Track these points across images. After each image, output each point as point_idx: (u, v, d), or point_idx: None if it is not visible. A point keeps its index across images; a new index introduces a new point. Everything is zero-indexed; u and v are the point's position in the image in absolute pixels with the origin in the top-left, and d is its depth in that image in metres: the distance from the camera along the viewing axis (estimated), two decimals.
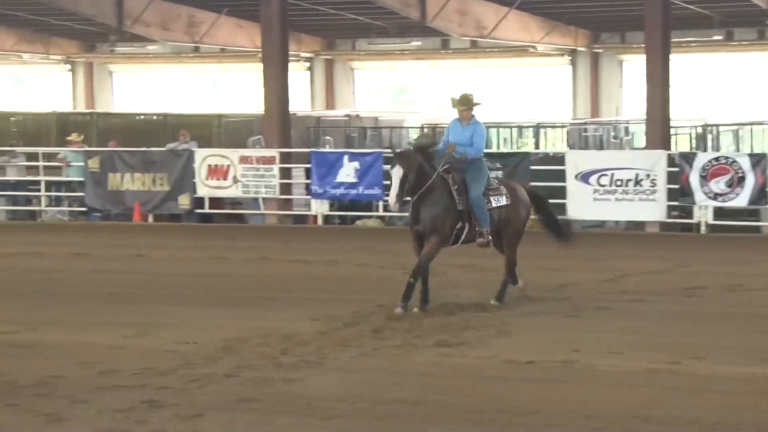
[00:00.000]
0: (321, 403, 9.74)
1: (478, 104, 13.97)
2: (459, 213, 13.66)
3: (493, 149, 31.14)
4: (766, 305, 15.63)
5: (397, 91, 46.86)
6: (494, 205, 14.00)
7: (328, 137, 32.52)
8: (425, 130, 34.71)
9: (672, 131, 26.88)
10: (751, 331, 13.43)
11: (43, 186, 29.80)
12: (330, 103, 41.78)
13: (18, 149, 30.07)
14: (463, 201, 13.62)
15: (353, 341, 12.79)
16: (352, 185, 26.20)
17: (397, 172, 13.19)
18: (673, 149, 26.31)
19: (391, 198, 13.37)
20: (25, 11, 37.93)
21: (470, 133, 13.59)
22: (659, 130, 25.47)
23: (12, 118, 35.90)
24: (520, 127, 35.40)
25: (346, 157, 26.59)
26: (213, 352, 12.01)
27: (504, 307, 15.83)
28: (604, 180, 24.39)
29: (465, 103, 13.67)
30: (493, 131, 33.89)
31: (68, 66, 45.00)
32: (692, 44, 35.00)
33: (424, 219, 13.50)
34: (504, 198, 14.14)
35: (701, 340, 13.18)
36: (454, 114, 14.43)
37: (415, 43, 40.52)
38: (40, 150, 30.51)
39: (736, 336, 13.29)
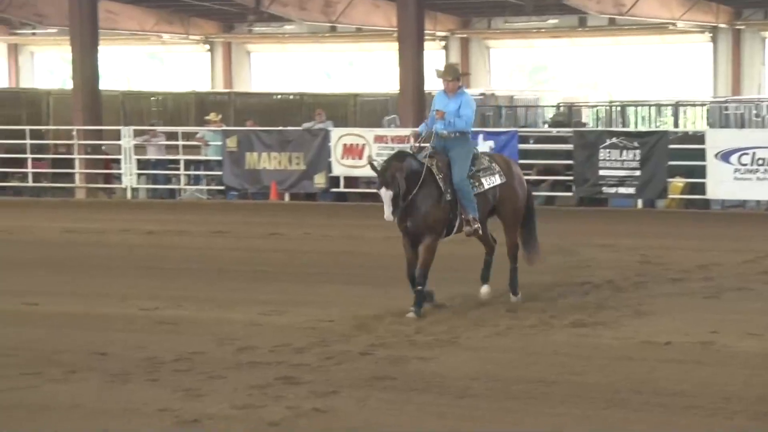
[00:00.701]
0: (455, 382, 9.79)
1: (465, 74, 13.32)
2: (448, 204, 12.58)
3: (631, 128, 31.17)
4: None
5: (534, 69, 46.52)
6: (486, 186, 12.86)
7: None
8: (561, 108, 34.96)
9: None
10: None
11: (182, 165, 30.19)
12: (465, 82, 41.38)
13: (158, 128, 30.45)
14: (451, 190, 12.55)
15: (487, 320, 12.80)
16: None
17: (386, 195, 11.95)
18: None
19: (387, 216, 12.09)
20: None
21: (457, 104, 12.49)
22: None
23: (152, 98, 36.52)
24: (659, 106, 34.74)
25: (480, 136, 26.15)
26: (348, 330, 12.13)
27: (634, 288, 15.39)
28: (746, 159, 23.88)
29: (451, 74, 12.65)
30: (630, 110, 34.22)
31: (207, 46, 45.92)
32: None
33: (415, 217, 12.45)
34: (498, 177, 12.93)
35: None
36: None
37: (552, 21, 40.38)
38: (179, 129, 31.13)
39: None
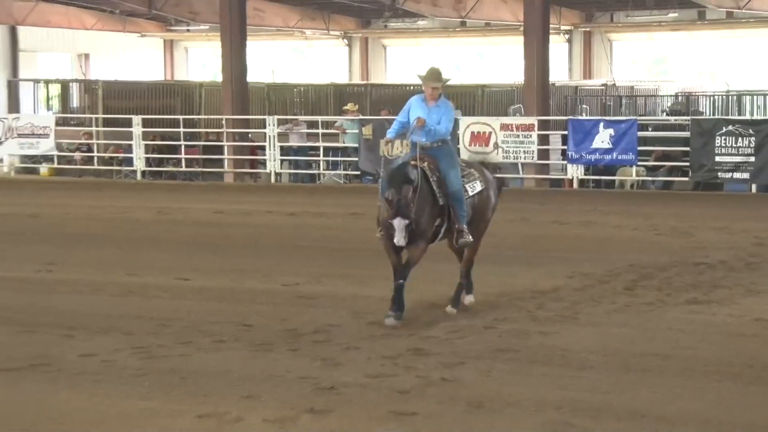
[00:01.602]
0: (575, 355, 9.86)
1: (448, 80, 11.42)
2: (440, 208, 11.14)
3: (746, 116, 30.73)
4: None
5: (654, 61, 45.93)
6: (471, 193, 11.48)
7: (584, 105, 32.33)
8: (679, 98, 34.40)
9: None
10: None
11: (321, 151, 30.62)
12: (587, 73, 41.79)
13: (300, 118, 30.94)
14: (443, 194, 11.07)
15: (606, 298, 12.78)
16: (607, 151, 25.93)
17: (400, 224, 10.40)
18: None
19: (398, 241, 10.47)
20: None
21: (439, 114, 10.96)
22: None
23: (295, 89, 36.76)
24: None
25: (601, 124, 26.41)
26: (475, 306, 12.18)
27: (748, 269, 15.11)
28: None
29: (437, 79, 11.00)
30: (746, 99, 33.58)
31: (345, 41, 46.32)
32: None
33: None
34: (478, 183, 11.59)
35: None
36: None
37: (672, 15, 39.62)
38: (319, 118, 31.59)
39: None
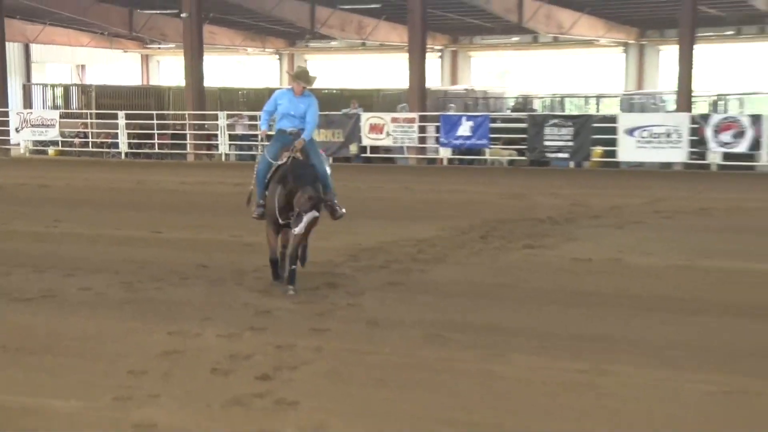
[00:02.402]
0: (445, 286, 10.07)
1: (314, 78, 9.69)
2: None
3: (567, 112, 32.69)
4: (761, 220, 15.53)
5: (501, 72, 47.46)
6: (329, 173, 9.90)
7: (452, 104, 33.22)
8: (519, 99, 36.50)
9: (693, 99, 26.68)
10: (750, 239, 13.29)
11: (259, 138, 30.67)
12: (454, 81, 42.52)
13: (244, 113, 31.41)
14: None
15: (467, 244, 12.97)
16: (468, 138, 26.37)
17: (310, 217, 8.66)
18: (694, 112, 26.12)
19: (300, 230, 8.71)
20: (249, 18, 39.91)
21: (305, 105, 9.32)
22: (685, 99, 25.28)
23: (239, 92, 37.23)
24: (586, 97, 35.71)
25: (464, 118, 26.86)
26: (372, 251, 12.28)
27: (567, 222, 15.46)
28: (644, 134, 24.24)
29: (304, 79, 9.44)
30: (567, 100, 35.57)
31: (277, 56, 47.14)
32: (712, 37, 34.44)
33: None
34: (327, 166, 10.00)
35: (713, 245, 12.99)
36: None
37: (514, 39, 40.82)
38: (257, 113, 31.43)
39: (738, 242, 13.09)
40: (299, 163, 8.95)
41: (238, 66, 49.38)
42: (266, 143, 9.65)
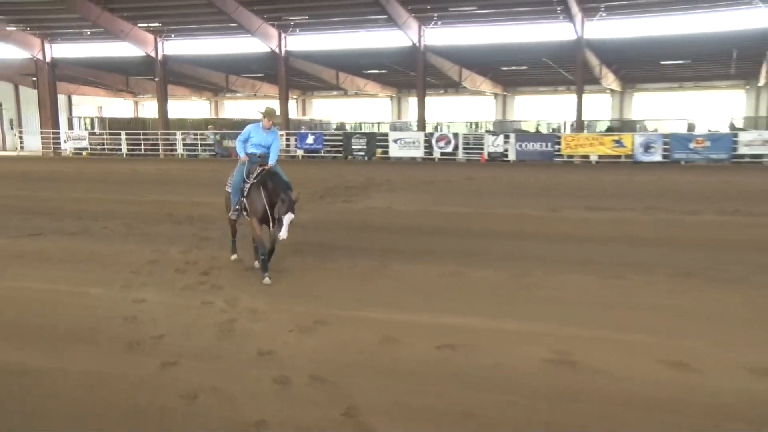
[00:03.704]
0: (303, 222, 11.53)
1: (278, 116, 8.38)
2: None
3: (366, 130, 37.54)
4: (458, 186, 17.83)
5: (329, 109, 53.90)
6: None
7: (303, 126, 42.21)
8: (338, 124, 45.70)
9: (427, 124, 35.81)
10: (453, 197, 15.12)
11: (199, 145, 34.48)
12: (304, 113, 53.01)
13: (190, 132, 36.93)
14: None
15: (313, 200, 14.24)
16: (311, 144, 35.33)
17: (288, 219, 8.43)
18: (427, 131, 31.66)
19: (285, 235, 8.39)
20: (193, 81, 46.05)
21: (272, 138, 9.30)
22: (421, 124, 35.51)
23: (188, 121, 45.03)
24: (372, 123, 46.12)
25: (309, 134, 35.94)
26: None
27: (364, 189, 17.43)
28: (402, 142, 33.80)
29: (273, 115, 9.36)
30: (364, 125, 44.61)
31: (210, 101, 50.65)
32: (432, 93, 41.98)
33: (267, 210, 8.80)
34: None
35: (438, 200, 14.87)
36: None
37: (334, 92, 50.91)
38: (199, 132, 35.91)
39: (447, 199, 14.77)
40: (272, 171, 8.97)
41: (187, 107, 55.96)
42: (241, 164, 9.41)
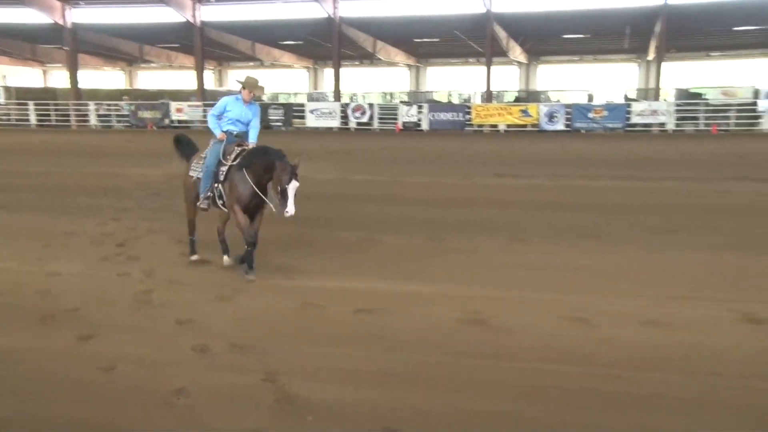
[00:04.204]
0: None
1: (263, 88, 7.98)
2: None
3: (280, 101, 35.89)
4: (371, 155, 17.73)
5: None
6: None
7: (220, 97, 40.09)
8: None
9: (342, 95, 33.68)
10: (371, 165, 15.13)
11: (114, 115, 32.92)
12: (220, 85, 51.00)
13: (103, 102, 34.25)
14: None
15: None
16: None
17: (294, 187, 7.05)
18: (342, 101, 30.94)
19: (291, 209, 6.94)
20: (105, 50, 43.25)
21: (253, 112, 7.94)
22: (337, 95, 35.90)
23: (100, 91, 39.99)
24: (289, 94, 45.50)
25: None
26: (160, 181, 14.19)
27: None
28: (319, 112, 33.93)
29: (253, 87, 7.84)
30: (281, 95, 43.30)
31: (123, 71, 48.67)
32: (348, 64, 41.27)
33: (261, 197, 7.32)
34: None
35: (354, 168, 15.17)
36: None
37: (251, 63, 49.22)
38: (111, 102, 33.76)
39: (366, 167, 14.66)
40: (257, 148, 7.48)
41: (100, 77, 53.31)
42: (213, 142, 7.84)
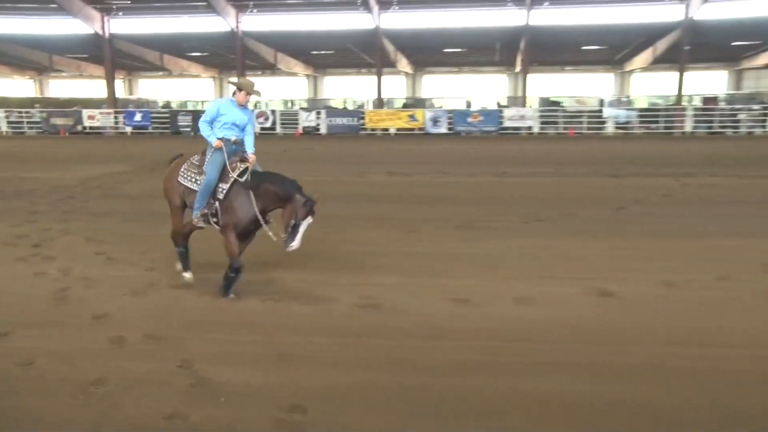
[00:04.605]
0: (136, 193, 11.57)
1: (259, 93, 6.62)
2: None
3: (190, 108, 36.09)
4: (290, 156, 17.15)
5: (154, 88, 50.12)
6: None
7: (130, 104, 38.97)
8: (165, 102, 43.23)
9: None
10: (299, 166, 15.14)
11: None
12: (131, 93, 49.20)
13: (14, 110, 31.21)
14: None
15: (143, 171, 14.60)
16: (140, 121, 31.41)
17: (308, 223, 6.00)
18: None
19: (298, 245, 5.92)
20: (16, 61, 39.09)
21: (247, 117, 6.60)
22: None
23: (9, 100, 38.77)
24: (196, 102, 44.48)
25: (137, 112, 32.85)
26: (95, 178, 13.27)
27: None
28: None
29: (249, 88, 6.55)
30: (189, 103, 42.31)
31: (32, 80, 45.26)
32: (250, 75, 44.10)
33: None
34: None
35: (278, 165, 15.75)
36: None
37: (158, 73, 48.56)
38: (22, 110, 31.38)
39: (293, 167, 15.71)
40: (270, 173, 6.32)
41: (9, 85, 49.93)
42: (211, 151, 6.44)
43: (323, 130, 31.93)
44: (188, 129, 32.70)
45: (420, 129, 31.40)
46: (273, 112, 33.23)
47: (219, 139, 6.43)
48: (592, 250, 8.12)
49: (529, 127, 31.10)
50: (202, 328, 5.58)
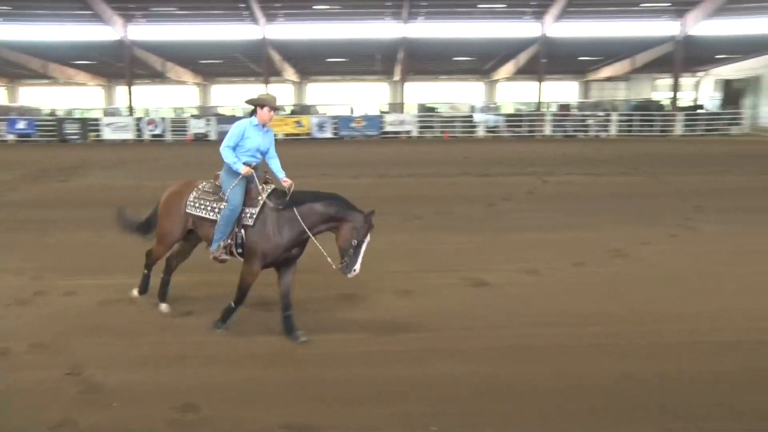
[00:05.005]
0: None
1: (280, 105, 5.73)
2: None
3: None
4: None
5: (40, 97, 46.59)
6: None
7: (12, 113, 33.13)
8: (51, 110, 38.55)
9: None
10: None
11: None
12: (12, 100, 43.96)
13: None
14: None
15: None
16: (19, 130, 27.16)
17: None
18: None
19: (358, 270, 5.01)
20: None
21: (269, 139, 5.43)
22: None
23: None
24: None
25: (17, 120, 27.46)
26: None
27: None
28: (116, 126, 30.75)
29: (272, 104, 5.28)
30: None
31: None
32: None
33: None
34: None
35: None
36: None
37: (46, 81, 41.93)
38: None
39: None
40: (302, 191, 5.27)
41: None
42: (232, 178, 5.28)
43: (213, 136, 31.07)
44: (76, 137, 30.66)
45: (306, 134, 31.22)
46: (163, 119, 31.87)
47: (244, 163, 5.26)
48: (466, 244, 8.33)
49: (408, 132, 31.72)
50: (92, 333, 5.28)
